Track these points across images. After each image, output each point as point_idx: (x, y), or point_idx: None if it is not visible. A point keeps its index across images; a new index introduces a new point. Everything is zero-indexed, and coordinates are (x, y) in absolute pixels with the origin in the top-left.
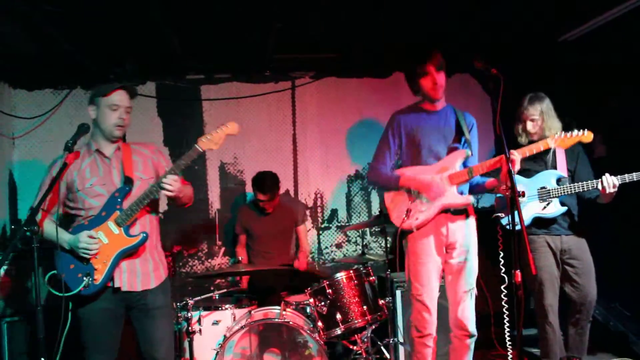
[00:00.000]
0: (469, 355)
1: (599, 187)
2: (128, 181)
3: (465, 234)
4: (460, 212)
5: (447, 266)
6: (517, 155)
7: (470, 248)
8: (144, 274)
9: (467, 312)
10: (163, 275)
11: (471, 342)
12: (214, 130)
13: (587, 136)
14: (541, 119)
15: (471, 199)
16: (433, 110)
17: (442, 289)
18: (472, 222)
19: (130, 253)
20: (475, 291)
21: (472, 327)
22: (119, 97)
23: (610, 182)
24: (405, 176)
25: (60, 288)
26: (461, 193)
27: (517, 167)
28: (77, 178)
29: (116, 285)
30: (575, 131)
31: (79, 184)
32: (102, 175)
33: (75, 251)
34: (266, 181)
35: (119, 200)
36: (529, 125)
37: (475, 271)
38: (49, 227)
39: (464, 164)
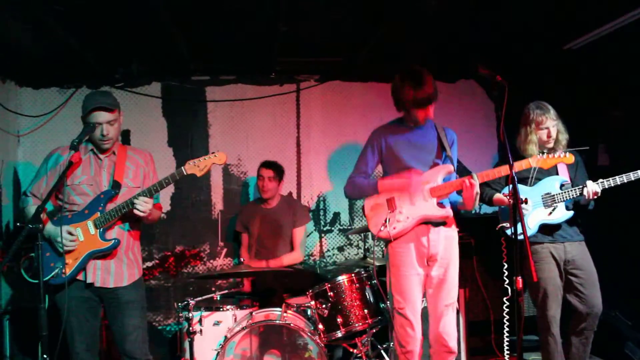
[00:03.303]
0: None
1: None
2: (116, 185)
3: (446, 246)
4: (441, 224)
5: (428, 279)
6: (476, 180)
7: (451, 261)
8: (117, 273)
9: (448, 328)
10: (137, 275)
11: (451, 359)
12: (203, 157)
13: (568, 158)
14: (557, 124)
15: (450, 211)
16: (415, 126)
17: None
18: (453, 234)
19: (103, 255)
20: (456, 305)
21: (453, 343)
22: (96, 116)
23: (590, 190)
24: (382, 180)
25: (33, 274)
26: (442, 206)
27: (477, 190)
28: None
29: (89, 280)
30: (558, 152)
31: (69, 179)
32: (92, 174)
33: (52, 241)
34: (271, 161)
35: (102, 202)
36: (553, 132)
37: (456, 285)
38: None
39: (445, 180)
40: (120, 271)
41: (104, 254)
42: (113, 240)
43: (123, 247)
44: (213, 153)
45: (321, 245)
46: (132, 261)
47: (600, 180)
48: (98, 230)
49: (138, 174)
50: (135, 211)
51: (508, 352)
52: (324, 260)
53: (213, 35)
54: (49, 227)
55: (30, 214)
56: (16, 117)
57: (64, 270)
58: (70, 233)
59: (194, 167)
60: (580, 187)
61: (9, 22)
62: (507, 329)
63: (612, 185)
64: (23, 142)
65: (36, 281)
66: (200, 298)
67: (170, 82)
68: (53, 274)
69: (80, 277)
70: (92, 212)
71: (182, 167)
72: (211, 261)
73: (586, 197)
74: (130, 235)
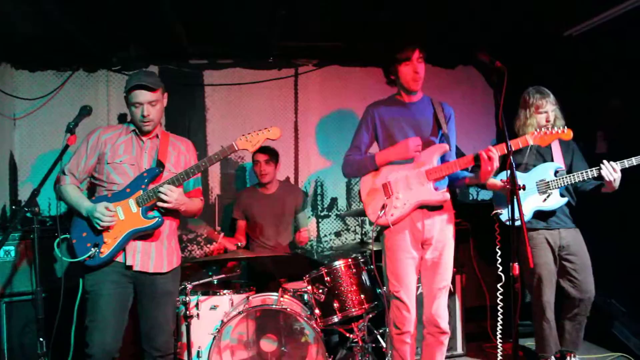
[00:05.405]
0: (443, 351)
1: (602, 174)
2: (159, 165)
3: (441, 229)
4: (437, 207)
5: (423, 262)
6: (495, 153)
7: (446, 244)
8: (157, 257)
9: (441, 310)
10: (176, 263)
11: (445, 339)
12: (254, 131)
13: (567, 133)
14: (555, 109)
15: (447, 195)
16: (409, 102)
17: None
18: (449, 218)
19: (144, 235)
20: (450, 287)
21: (445, 325)
22: (136, 95)
23: (610, 168)
24: (380, 153)
25: (69, 254)
26: (439, 190)
27: (496, 164)
28: (109, 151)
29: (128, 263)
30: (555, 128)
31: (110, 157)
32: (134, 155)
33: (90, 220)
34: (263, 146)
35: (145, 180)
36: (552, 117)
37: (450, 267)
38: (74, 191)
39: (442, 159)
40: (161, 256)
41: (146, 234)
42: (156, 219)
43: (166, 230)
44: (266, 128)
45: (318, 230)
46: (173, 248)
47: (613, 162)
48: (140, 208)
49: (179, 160)
50: (160, 203)
51: (501, 337)
52: (321, 245)
53: (211, 19)
54: (86, 205)
55: (67, 192)
56: (12, 100)
57: (101, 251)
58: (107, 209)
59: (245, 142)
60: (595, 168)
61: (5, 3)
62: (500, 315)
63: (627, 166)
64: (19, 125)
65: (74, 260)
66: (197, 282)
67: (167, 65)
68: (89, 254)
69: (120, 258)
70: (134, 190)
71: (234, 142)
72: (208, 245)
73: (608, 178)
74: (172, 220)
